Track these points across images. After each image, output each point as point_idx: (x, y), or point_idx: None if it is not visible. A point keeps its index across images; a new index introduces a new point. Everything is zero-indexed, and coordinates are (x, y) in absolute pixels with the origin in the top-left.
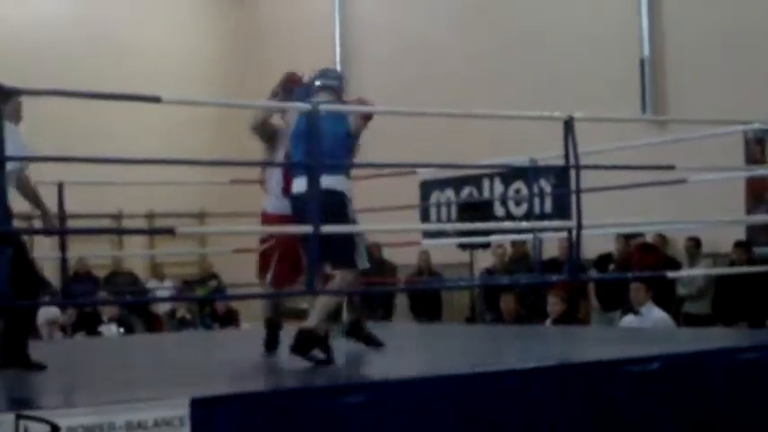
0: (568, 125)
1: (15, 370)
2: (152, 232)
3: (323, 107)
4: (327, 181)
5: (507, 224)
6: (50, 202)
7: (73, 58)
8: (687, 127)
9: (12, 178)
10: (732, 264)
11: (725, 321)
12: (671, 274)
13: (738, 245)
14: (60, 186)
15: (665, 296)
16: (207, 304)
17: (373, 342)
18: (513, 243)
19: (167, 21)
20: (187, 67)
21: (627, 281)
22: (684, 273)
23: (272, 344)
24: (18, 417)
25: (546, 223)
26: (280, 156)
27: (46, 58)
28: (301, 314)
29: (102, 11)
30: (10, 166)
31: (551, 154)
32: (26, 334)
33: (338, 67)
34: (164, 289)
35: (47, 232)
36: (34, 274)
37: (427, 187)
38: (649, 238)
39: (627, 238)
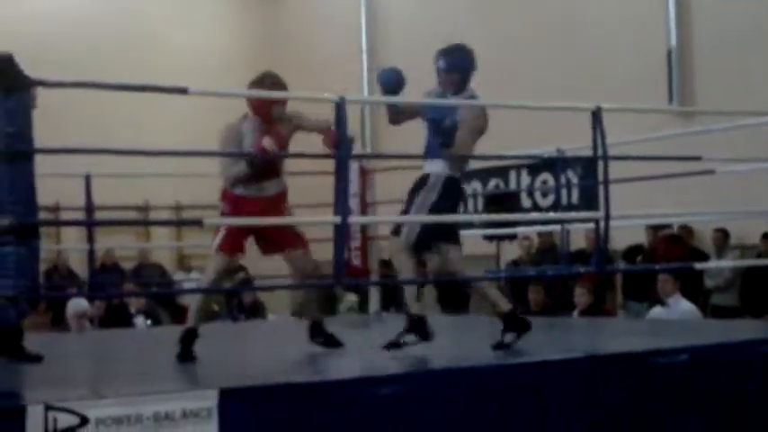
0: (596, 116)
1: (10, 360)
2: (180, 223)
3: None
4: None
5: (534, 215)
6: (78, 194)
7: (100, 54)
8: (715, 117)
9: None
10: (759, 255)
11: (753, 313)
12: (698, 266)
13: (766, 236)
14: (87, 178)
15: (693, 288)
16: (234, 296)
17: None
18: (540, 234)
19: (194, 17)
20: (214, 61)
21: (654, 272)
22: (712, 264)
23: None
24: (47, 408)
25: (573, 214)
26: None
27: (74, 52)
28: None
29: (129, 7)
30: None
31: (578, 145)
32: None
33: (365, 60)
34: (190, 281)
35: (75, 224)
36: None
37: None
38: (675, 230)
39: (655, 229)
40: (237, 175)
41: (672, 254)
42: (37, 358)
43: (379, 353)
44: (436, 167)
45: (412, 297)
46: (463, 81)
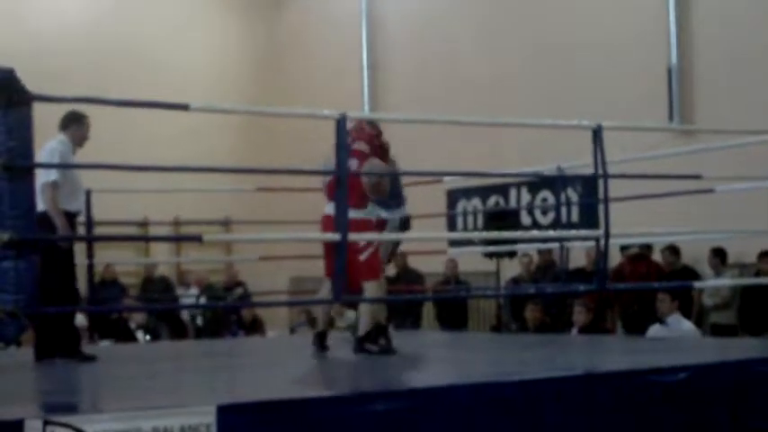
0: (597, 134)
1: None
2: (180, 239)
3: None
4: None
5: (534, 233)
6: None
7: (104, 71)
8: (715, 136)
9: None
10: (757, 274)
11: (751, 331)
12: (697, 284)
13: (763, 255)
14: (88, 193)
15: (686, 306)
16: (233, 312)
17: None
18: (540, 252)
19: (196, 33)
20: (215, 78)
21: (653, 291)
22: (709, 283)
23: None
24: (46, 423)
25: (573, 232)
26: None
27: (73, 69)
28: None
29: (132, 26)
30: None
31: (578, 163)
32: (59, 333)
33: (366, 76)
34: (189, 296)
35: (73, 239)
36: (72, 283)
37: (454, 196)
38: (658, 249)
39: (622, 249)
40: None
41: (637, 272)
42: (92, 358)
43: (378, 368)
44: None
45: None
46: None
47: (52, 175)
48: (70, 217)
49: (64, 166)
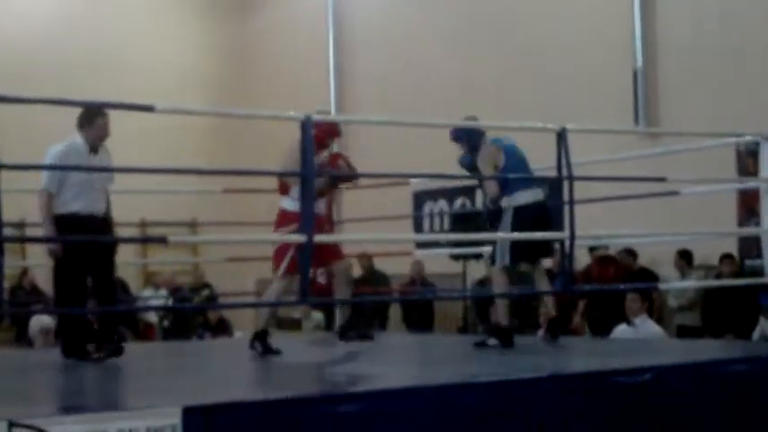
0: (561, 136)
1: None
2: (145, 241)
3: None
4: None
5: (500, 235)
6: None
7: (67, 71)
8: (680, 138)
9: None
10: (719, 276)
11: (713, 333)
12: (662, 286)
13: (725, 257)
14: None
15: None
16: (199, 313)
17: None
18: None
19: (161, 35)
20: (181, 79)
21: (620, 293)
22: (675, 284)
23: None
24: (11, 425)
25: (539, 234)
26: None
27: (39, 69)
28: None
29: (96, 24)
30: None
31: (544, 165)
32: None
33: (332, 78)
34: (158, 298)
35: (40, 240)
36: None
37: (420, 198)
38: (615, 252)
39: (590, 250)
40: (320, 188)
41: (606, 275)
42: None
43: (344, 370)
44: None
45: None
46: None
47: (42, 182)
48: (78, 218)
49: (23, 168)
